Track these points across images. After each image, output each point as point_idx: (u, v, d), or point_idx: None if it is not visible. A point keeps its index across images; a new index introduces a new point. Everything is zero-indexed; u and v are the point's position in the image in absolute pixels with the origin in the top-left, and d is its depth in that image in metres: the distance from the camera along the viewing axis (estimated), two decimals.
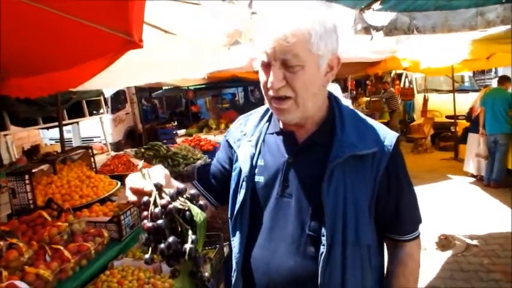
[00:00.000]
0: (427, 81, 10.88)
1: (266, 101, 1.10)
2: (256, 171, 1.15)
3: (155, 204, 0.84)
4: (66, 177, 3.00)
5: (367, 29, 3.15)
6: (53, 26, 1.91)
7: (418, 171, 7.10)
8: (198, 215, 0.84)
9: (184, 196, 0.87)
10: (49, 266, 1.93)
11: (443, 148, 9.07)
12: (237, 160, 1.20)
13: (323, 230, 1.02)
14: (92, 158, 3.61)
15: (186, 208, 0.84)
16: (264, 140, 1.18)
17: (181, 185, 0.90)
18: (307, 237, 1.06)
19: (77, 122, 6.33)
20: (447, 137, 9.14)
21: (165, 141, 7.28)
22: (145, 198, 0.86)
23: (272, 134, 1.18)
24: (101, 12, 1.83)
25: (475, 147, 6.55)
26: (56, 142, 7.51)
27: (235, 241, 1.16)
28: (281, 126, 1.16)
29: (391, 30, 3.18)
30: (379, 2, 3.04)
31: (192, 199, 0.87)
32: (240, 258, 1.15)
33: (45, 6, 1.69)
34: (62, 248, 2.06)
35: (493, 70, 13.38)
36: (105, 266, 2.29)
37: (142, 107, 12.93)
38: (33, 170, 2.71)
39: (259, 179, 1.14)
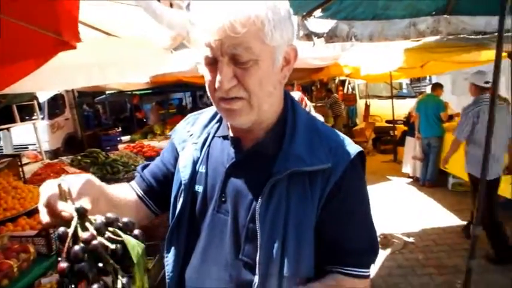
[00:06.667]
0: (369, 88, 11.47)
1: (213, 103, 0.95)
2: (197, 178, 1.01)
3: (75, 239, 0.65)
4: None
5: (309, 36, 3.21)
6: None
7: None
8: (135, 248, 0.67)
9: (116, 226, 0.70)
10: None
11: (384, 151, 9.50)
12: None
13: (257, 258, 0.88)
14: (20, 168, 3.34)
15: (116, 244, 0.67)
16: (210, 144, 1.04)
17: (111, 215, 0.71)
18: (241, 263, 0.92)
19: (7, 129, 5.82)
20: (387, 141, 9.61)
21: (108, 148, 6.95)
22: (61, 229, 0.66)
23: (219, 137, 1.04)
24: (29, 10, 1.69)
25: (411, 150, 6.96)
26: None
27: (169, 258, 1.03)
28: (229, 131, 1.00)
29: (331, 37, 3.25)
30: (320, 10, 3.11)
31: (126, 229, 0.70)
32: (172, 279, 1.01)
33: None
34: None
35: (428, 78, 14.29)
36: (31, 284, 2.10)
37: (84, 112, 12.32)
38: None
39: (199, 188, 1.00)
